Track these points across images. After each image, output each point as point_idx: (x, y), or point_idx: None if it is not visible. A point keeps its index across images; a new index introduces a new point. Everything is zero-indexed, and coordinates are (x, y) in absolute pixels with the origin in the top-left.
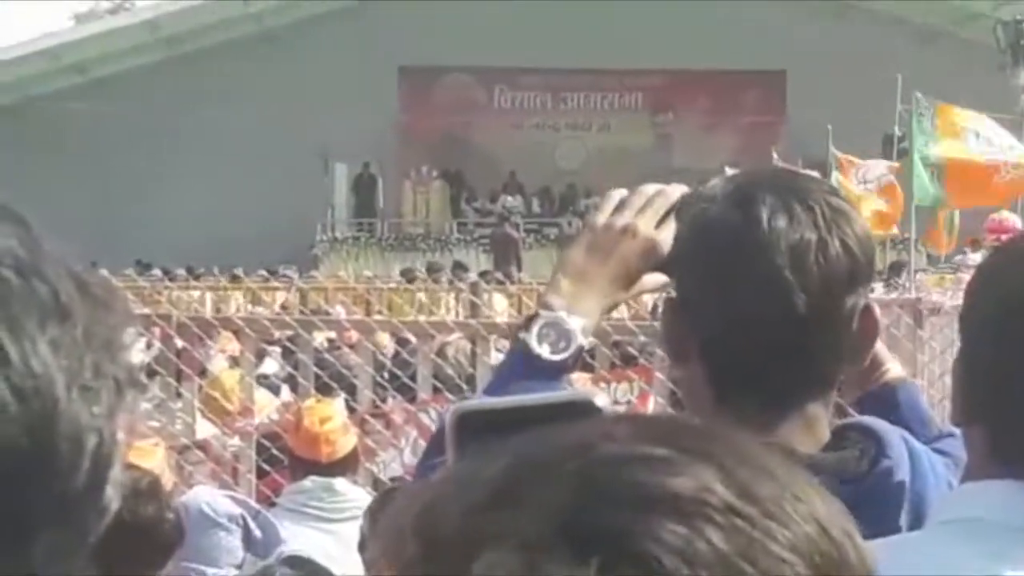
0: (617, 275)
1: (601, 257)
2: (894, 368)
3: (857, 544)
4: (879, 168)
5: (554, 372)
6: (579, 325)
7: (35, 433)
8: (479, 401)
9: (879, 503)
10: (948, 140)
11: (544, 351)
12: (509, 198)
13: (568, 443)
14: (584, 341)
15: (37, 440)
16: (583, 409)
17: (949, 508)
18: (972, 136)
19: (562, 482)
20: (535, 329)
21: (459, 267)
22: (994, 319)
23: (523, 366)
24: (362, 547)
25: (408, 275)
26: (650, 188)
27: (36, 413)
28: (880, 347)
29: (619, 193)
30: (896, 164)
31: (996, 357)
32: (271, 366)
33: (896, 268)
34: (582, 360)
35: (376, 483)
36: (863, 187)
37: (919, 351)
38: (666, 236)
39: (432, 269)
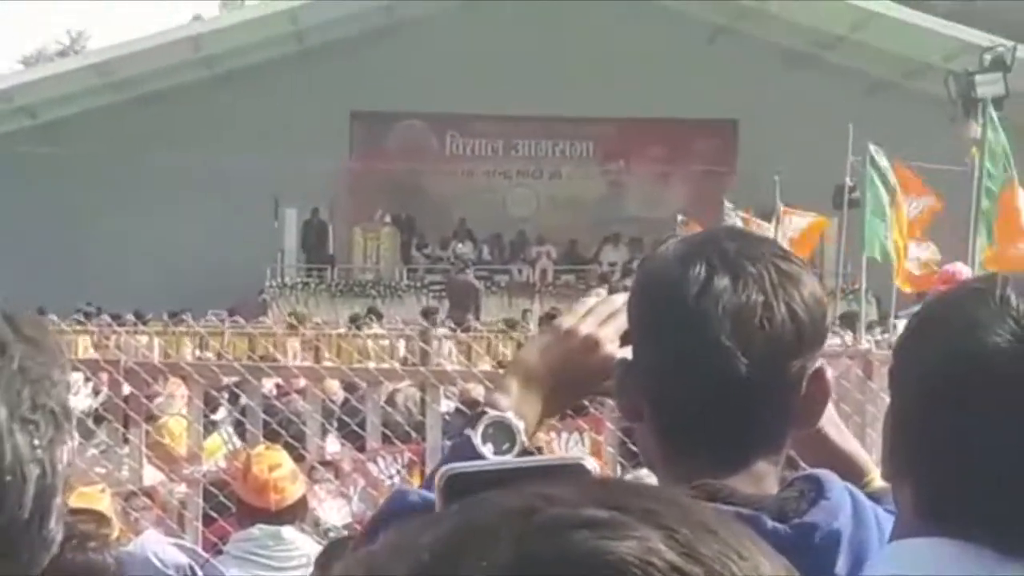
0: (567, 385)
1: (552, 364)
2: (878, 478)
3: None
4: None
5: None
6: (523, 426)
7: None
8: (469, 463)
9: (814, 546)
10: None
11: (487, 450)
12: (460, 245)
13: (511, 507)
14: (527, 442)
15: None
16: (573, 472)
17: (875, 567)
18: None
19: (504, 549)
20: (480, 428)
21: (429, 313)
22: (920, 375)
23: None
24: None
25: (356, 321)
26: (619, 299)
27: None
28: (862, 454)
29: (592, 300)
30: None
31: (922, 414)
32: (223, 413)
33: (848, 319)
34: None
35: (324, 532)
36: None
37: (869, 402)
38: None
39: (375, 314)
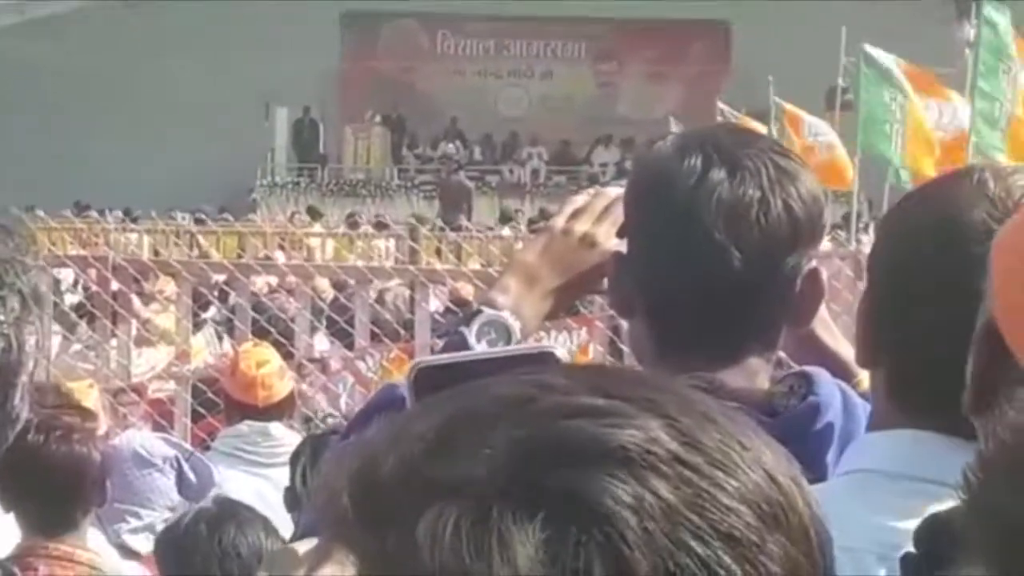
0: (567, 284)
1: (553, 263)
2: (867, 378)
3: (804, 491)
4: (823, 126)
5: None
6: (519, 326)
7: None
8: (438, 356)
9: (804, 438)
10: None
11: (482, 349)
12: (450, 145)
13: (507, 395)
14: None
15: None
16: (544, 362)
17: (848, 460)
18: (935, 108)
19: (503, 436)
20: (475, 326)
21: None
22: (896, 260)
23: None
24: (289, 501)
25: (351, 220)
26: (612, 191)
27: None
28: (853, 355)
29: (582, 197)
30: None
31: (895, 297)
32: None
33: (849, 220)
34: None
35: (305, 421)
36: (814, 139)
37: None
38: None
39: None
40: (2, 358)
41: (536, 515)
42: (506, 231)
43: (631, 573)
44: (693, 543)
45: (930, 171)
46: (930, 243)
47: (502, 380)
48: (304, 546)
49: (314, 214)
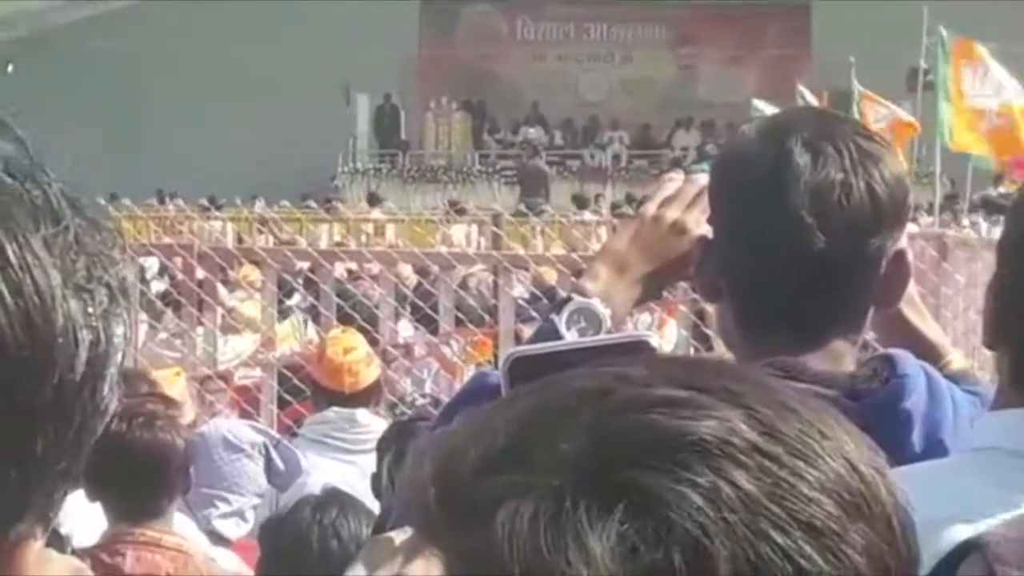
0: (656, 271)
1: (643, 250)
2: (956, 359)
3: (887, 480)
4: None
5: None
6: (609, 313)
7: (32, 328)
8: (533, 346)
9: (886, 422)
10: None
11: (571, 336)
12: (531, 130)
13: (586, 388)
14: (613, 330)
15: (34, 334)
16: (638, 350)
17: (971, 438)
18: (970, 74)
19: (581, 429)
20: (565, 314)
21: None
22: (1021, 244)
23: None
24: (375, 488)
25: (458, 208)
26: (703, 179)
27: (34, 308)
28: (942, 336)
29: (673, 185)
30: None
31: (1021, 281)
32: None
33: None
34: None
35: (391, 407)
36: (876, 124)
37: (944, 284)
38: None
39: (455, 207)
40: (91, 351)
41: (614, 508)
42: (587, 215)
43: (711, 564)
44: (774, 533)
45: (977, 145)
46: None
47: (582, 373)
48: (401, 536)
49: (373, 200)
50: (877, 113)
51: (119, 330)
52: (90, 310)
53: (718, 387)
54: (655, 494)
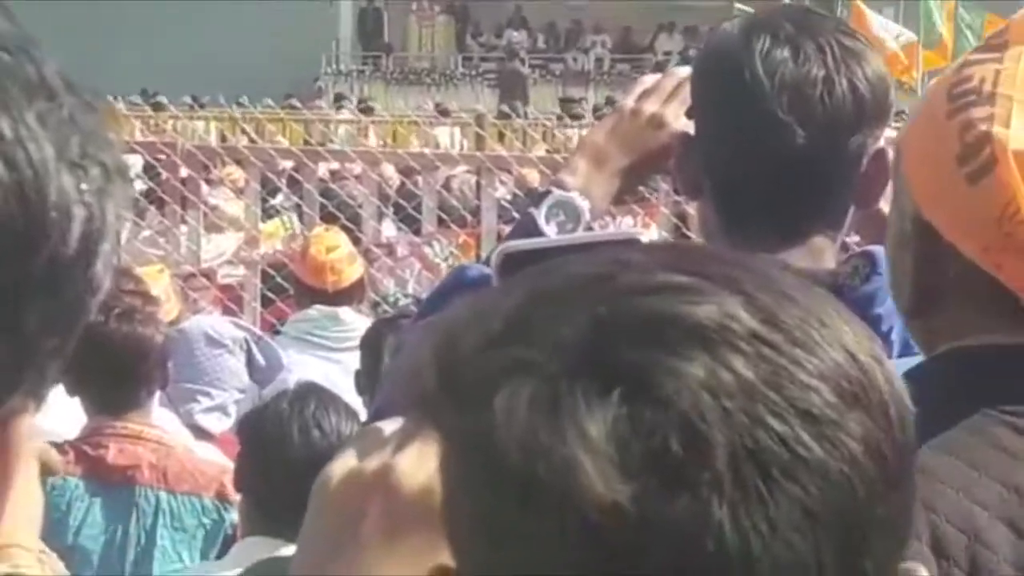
0: (635, 164)
1: (622, 143)
2: None
3: (885, 369)
4: (891, 24)
5: None
6: (588, 207)
7: (25, 201)
8: (525, 240)
9: (868, 318)
10: None
11: (551, 230)
12: (514, 33)
13: (586, 273)
14: (592, 223)
15: (27, 207)
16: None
17: None
18: None
19: (581, 313)
20: (544, 207)
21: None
22: None
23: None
24: (359, 385)
25: (441, 109)
26: (682, 71)
27: (27, 181)
28: None
29: (651, 78)
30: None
31: None
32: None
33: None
34: None
35: (374, 305)
36: (883, 32)
37: None
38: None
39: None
40: (85, 226)
41: (611, 392)
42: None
43: (707, 449)
44: (771, 420)
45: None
46: None
47: (581, 259)
48: (390, 425)
49: (339, 100)
50: (884, 24)
51: (114, 209)
52: (84, 186)
53: (718, 274)
54: (653, 379)
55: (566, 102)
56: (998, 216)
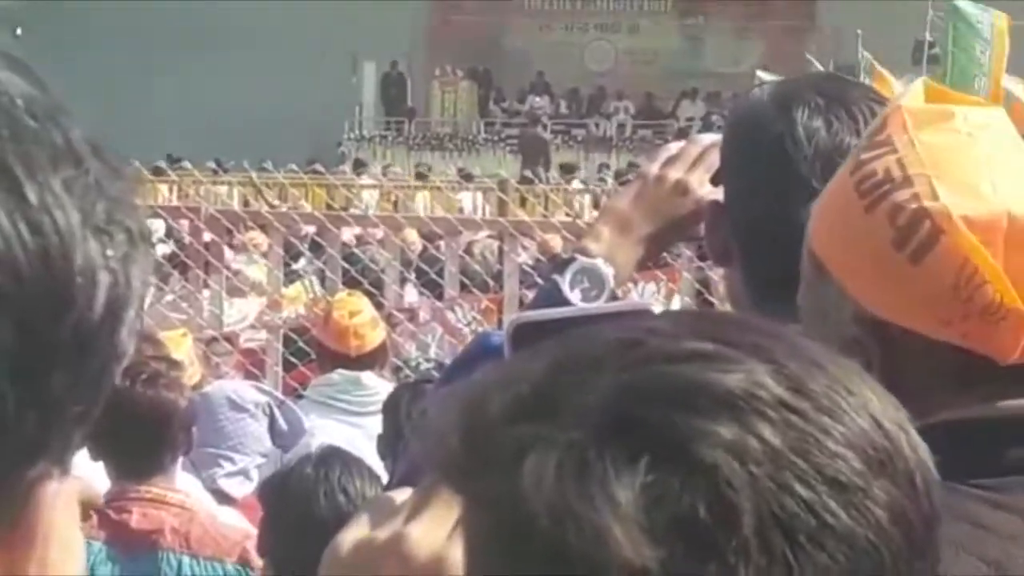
0: (659, 231)
1: (646, 210)
2: None
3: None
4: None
5: None
6: (612, 273)
7: (52, 266)
8: (536, 312)
9: None
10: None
11: (575, 297)
12: (537, 99)
13: (612, 340)
14: (616, 290)
15: (53, 273)
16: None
17: None
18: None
19: (609, 380)
20: (569, 274)
21: (567, 169)
22: None
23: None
24: (381, 450)
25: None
26: (706, 138)
27: (53, 247)
28: None
29: (676, 145)
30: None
31: None
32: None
33: None
34: None
35: (395, 370)
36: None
37: None
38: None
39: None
40: (110, 292)
41: (640, 458)
42: (576, 184)
43: (735, 516)
44: (798, 487)
45: None
46: None
47: (609, 326)
48: (401, 495)
49: (358, 166)
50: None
51: (138, 274)
52: (109, 252)
53: (745, 342)
54: (681, 445)
55: (566, 168)
56: (952, 284)
